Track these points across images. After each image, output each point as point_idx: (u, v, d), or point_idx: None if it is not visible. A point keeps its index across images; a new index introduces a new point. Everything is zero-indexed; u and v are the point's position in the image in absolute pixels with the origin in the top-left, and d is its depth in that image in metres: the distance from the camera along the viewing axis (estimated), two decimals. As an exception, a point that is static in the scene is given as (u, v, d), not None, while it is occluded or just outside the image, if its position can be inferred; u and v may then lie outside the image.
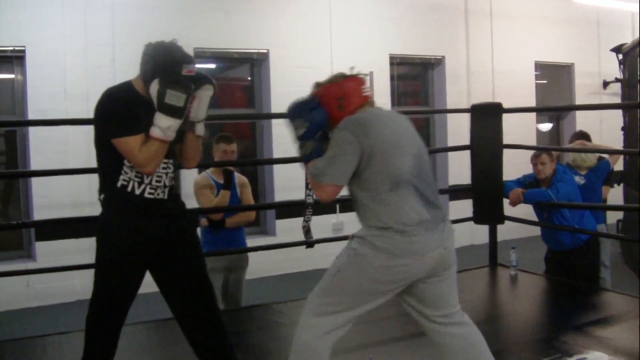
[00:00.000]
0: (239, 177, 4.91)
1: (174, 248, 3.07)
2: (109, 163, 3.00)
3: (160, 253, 3.05)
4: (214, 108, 3.93)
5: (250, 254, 4.95)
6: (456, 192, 8.55)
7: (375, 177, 2.70)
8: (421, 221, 2.70)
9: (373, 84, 8.47)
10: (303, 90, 8.18)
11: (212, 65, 8.53)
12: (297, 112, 2.88)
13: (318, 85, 2.98)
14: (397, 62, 9.35)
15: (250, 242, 5.34)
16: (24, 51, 6.99)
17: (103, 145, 2.98)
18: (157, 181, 3.01)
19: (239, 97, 8.86)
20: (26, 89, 7.08)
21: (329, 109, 2.87)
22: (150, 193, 2.99)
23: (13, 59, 7.10)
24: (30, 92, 7.05)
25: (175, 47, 2.97)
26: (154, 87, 2.86)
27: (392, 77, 9.22)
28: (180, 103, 2.87)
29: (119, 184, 2.97)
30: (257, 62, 8.46)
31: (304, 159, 2.91)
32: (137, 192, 2.97)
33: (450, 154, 9.40)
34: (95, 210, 3.18)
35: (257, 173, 8.35)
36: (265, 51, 8.29)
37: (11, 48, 6.97)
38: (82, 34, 7.14)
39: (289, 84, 8.13)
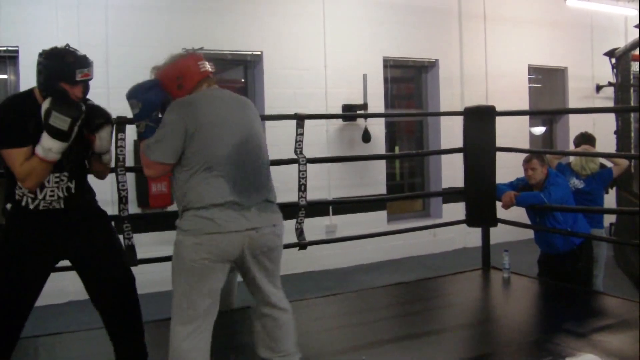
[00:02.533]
0: None
1: (81, 252, 3.14)
2: (7, 175, 3.05)
3: (71, 258, 3.16)
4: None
5: None
6: (449, 195, 8.57)
7: (192, 157, 2.82)
8: (225, 203, 2.78)
9: (366, 86, 8.59)
10: (297, 92, 8.21)
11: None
12: (133, 93, 2.97)
13: (156, 68, 3.05)
14: (391, 65, 9.34)
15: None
16: (17, 51, 6.95)
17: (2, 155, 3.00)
18: (50, 195, 3.04)
19: (232, 98, 8.79)
20: (19, 89, 6.97)
21: (170, 89, 2.96)
22: (44, 206, 3.03)
23: (6, 59, 7.06)
24: (22, 92, 6.98)
25: (68, 52, 2.99)
26: (44, 105, 2.89)
27: (385, 80, 9.21)
28: (64, 126, 2.88)
29: (16, 197, 3.03)
30: (250, 64, 8.44)
31: (138, 137, 3.02)
32: (31, 206, 3.02)
33: (443, 156, 9.37)
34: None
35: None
36: (259, 53, 8.27)
37: (4, 48, 6.93)
38: (75, 34, 7.07)
39: (282, 86, 8.18)
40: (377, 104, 8.89)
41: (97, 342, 3.82)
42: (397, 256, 8.76)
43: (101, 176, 3.37)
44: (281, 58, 8.33)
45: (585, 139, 5.90)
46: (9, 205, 3.07)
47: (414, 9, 9.37)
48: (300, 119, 4.95)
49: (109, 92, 6.48)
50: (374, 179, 8.95)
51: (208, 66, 3.03)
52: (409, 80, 10.13)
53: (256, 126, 3.04)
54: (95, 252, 3.16)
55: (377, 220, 8.67)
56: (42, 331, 4.22)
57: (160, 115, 2.98)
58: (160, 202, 7.37)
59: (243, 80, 8.58)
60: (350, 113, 8.55)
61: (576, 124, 9.98)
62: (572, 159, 5.85)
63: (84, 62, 2.99)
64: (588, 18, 10.87)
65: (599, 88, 11.04)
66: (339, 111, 8.58)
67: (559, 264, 5.13)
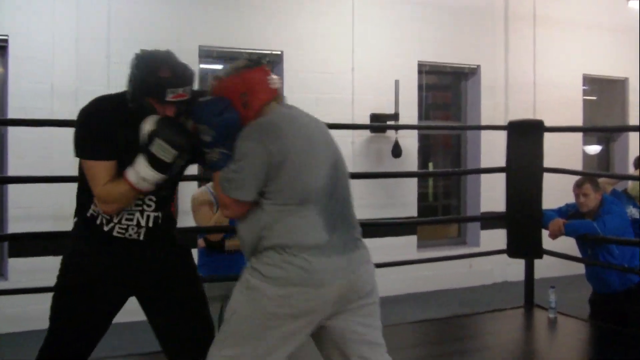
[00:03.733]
0: None
1: (158, 298, 3.00)
2: (82, 186, 2.92)
3: (139, 287, 2.99)
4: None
5: None
6: (488, 221, 8.54)
7: (281, 190, 2.63)
8: (320, 244, 2.63)
9: (398, 94, 8.60)
10: (320, 97, 8.25)
11: (219, 67, 8.54)
12: (203, 118, 2.72)
13: (217, 78, 2.80)
14: (427, 71, 9.35)
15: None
16: (6, 41, 7.03)
17: (80, 163, 2.87)
18: (127, 219, 2.89)
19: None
20: (7, 83, 7.11)
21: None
22: (119, 232, 2.89)
23: (-6, 50, 7.15)
24: (11, 87, 7.08)
25: (165, 63, 2.78)
26: (147, 125, 2.74)
27: (420, 87, 9.22)
28: (167, 158, 2.74)
29: (88, 213, 2.90)
30: (269, 65, 8.36)
31: (210, 166, 2.79)
32: (106, 228, 2.88)
33: (483, 176, 9.39)
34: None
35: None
36: (279, 53, 8.31)
37: (-8, 37, 7.02)
38: (74, 25, 7.18)
39: (304, 90, 8.16)
40: (409, 114, 8.87)
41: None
42: (428, 288, 8.73)
43: None
44: (303, 59, 8.37)
45: (646, 161, 5.85)
46: (75, 219, 2.96)
47: (454, 9, 9.39)
48: None
49: (109, 90, 6.44)
50: (403, 199, 8.93)
51: (277, 82, 2.83)
52: (446, 89, 10.15)
53: (337, 148, 2.87)
54: (175, 302, 3.01)
55: (406, 246, 8.63)
56: (22, 360, 4.22)
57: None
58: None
59: None
60: (379, 123, 8.62)
61: (637, 144, 9.90)
62: (629, 184, 5.79)
63: (180, 80, 2.76)
64: (654, 22, 10.82)
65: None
66: (367, 121, 8.59)
67: (613, 305, 5.05)
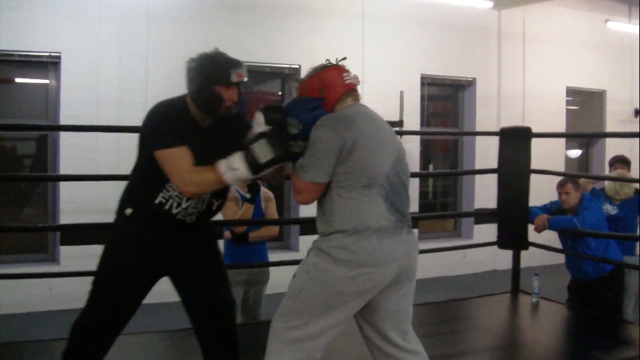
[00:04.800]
0: (264, 192, 4.87)
1: (190, 272, 2.99)
2: (149, 178, 2.85)
3: (176, 267, 2.98)
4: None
5: (272, 269, 4.91)
6: (481, 216, 8.47)
7: (350, 172, 2.60)
8: (384, 227, 2.61)
9: (403, 103, 8.46)
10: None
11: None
12: (294, 112, 2.74)
13: (298, 80, 2.86)
14: (428, 83, 9.35)
15: (273, 256, 5.31)
16: (59, 57, 7.11)
17: (147, 158, 2.81)
18: (194, 207, 2.89)
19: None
20: (59, 94, 7.20)
21: None
22: (183, 215, 2.88)
23: (48, 65, 7.24)
24: (63, 97, 7.16)
25: (218, 53, 2.82)
26: (258, 126, 2.71)
27: (422, 97, 9.22)
28: (263, 159, 2.67)
29: (157, 201, 2.85)
30: (288, 77, 8.50)
31: (292, 158, 2.75)
32: (174, 211, 2.85)
33: (477, 176, 9.39)
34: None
35: (285, 188, 8.37)
36: (297, 67, 8.31)
37: (47, 53, 7.10)
38: (116, 44, 7.24)
39: None
40: (413, 121, 8.84)
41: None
42: (427, 275, 8.49)
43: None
44: None
45: (621, 160, 5.83)
46: (129, 211, 2.92)
47: (453, 28, 9.37)
48: None
49: (146, 100, 6.63)
50: None
51: (353, 78, 2.87)
52: (445, 99, 10.13)
53: (402, 147, 2.85)
54: (204, 275, 3.01)
55: None
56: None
57: None
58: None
59: (280, 93, 8.66)
60: None
61: (613, 149, 9.86)
62: (606, 183, 5.78)
63: (236, 63, 2.80)
64: (629, 40, 10.72)
65: (637, 112, 10.93)
66: None
67: (589, 291, 5.06)
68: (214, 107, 2.81)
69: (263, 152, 2.67)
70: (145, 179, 2.90)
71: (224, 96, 2.79)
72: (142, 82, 7.14)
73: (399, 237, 2.66)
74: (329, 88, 2.75)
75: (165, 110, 2.85)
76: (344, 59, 2.97)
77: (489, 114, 9.70)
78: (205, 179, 2.71)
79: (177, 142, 2.73)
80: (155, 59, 7.35)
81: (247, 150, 2.68)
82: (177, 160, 2.72)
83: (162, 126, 2.78)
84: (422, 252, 6.29)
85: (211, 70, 2.76)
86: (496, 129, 6.17)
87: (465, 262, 9.19)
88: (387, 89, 8.60)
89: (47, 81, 7.36)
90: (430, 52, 9.23)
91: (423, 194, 9.55)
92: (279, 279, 5.42)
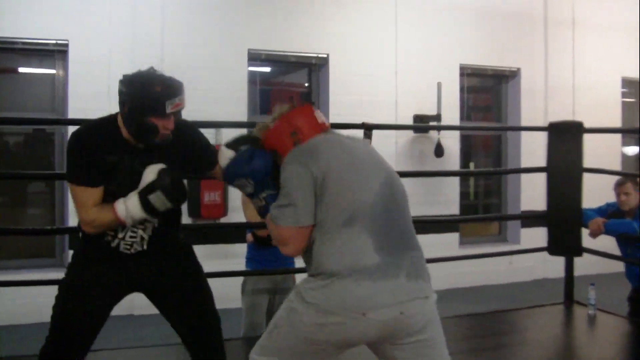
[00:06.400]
0: None
1: (168, 297, 3.04)
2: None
3: (146, 293, 3.06)
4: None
5: (298, 275, 4.75)
6: (529, 219, 8.48)
7: (328, 210, 2.46)
8: (367, 267, 2.41)
9: (440, 96, 8.57)
10: (365, 99, 8.21)
11: (267, 69, 8.58)
12: (236, 173, 2.77)
13: (262, 128, 2.78)
14: (468, 73, 9.30)
15: (299, 262, 5.26)
16: (67, 45, 7.14)
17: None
18: (131, 237, 2.92)
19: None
20: (67, 85, 7.23)
21: (285, 149, 2.65)
22: (125, 248, 2.92)
23: (55, 53, 7.28)
24: (71, 89, 7.20)
25: (155, 79, 2.76)
26: (150, 175, 2.79)
27: (461, 89, 9.17)
28: (161, 208, 2.80)
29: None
30: (315, 68, 8.51)
31: (261, 212, 2.78)
32: (113, 245, 2.91)
33: (523, 176, 9.32)
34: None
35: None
36: (325, 56, 8.33)
37: (54, 42, 7.14)
38: (129, 31, 7.25)
39: (348, 92, 8.21)
40: (451, 115, 8.83)
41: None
42: (469, 284, 8.66)
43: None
44: (348, 62, 8.37)
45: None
46: (80, 234, 2.99)
47: (495, 14, 9.31)
48: (367, 128, 4.89)
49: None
50: (445, 198, 8.89)
51: (323, 116, 2.76)
52: (487, 91, 10.09)
53: (391, 168, 2.71)
54: (183, 299, 3.05)
55: (448, 243, 8.57)
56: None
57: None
58: (214, 212, 7.47)
59: (307, 84, 8.64)
60: (422, 124, 8.58)
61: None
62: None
63: (174, 90, 2.76)
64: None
65: (702, 104, 10.71)
66: (410, 122, 8.57)
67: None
68: (147, 137, 2.81)
69: (159, 202, 2.77)
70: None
71: (159, 126, 2.78)
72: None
73: (390, 281, 2.43)
74: (302, 129, 2.67)
75: (86, 136, 2.84)
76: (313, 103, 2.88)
77: (535, 107, 9.60)
78: (102, 221, 2.81)
79: (80, 180, 2.80)
80: (170, 47, 7.34)
81: (143, 199, 2.76)
82: (77, 196, 2.82)
83: (71, 159, 2.82)
84: (464, 258, 6.35)
85: (143, 100, 2.73)
86: (543, 123, 6.12)
87: (511, 270, 9.09)
88: (423, 81, 8.63)
89: (53, 71, 7.40)
90: (469, 41, 9.16)
91: (464, 195, 9.50)
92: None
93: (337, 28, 8.33)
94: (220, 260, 6.23)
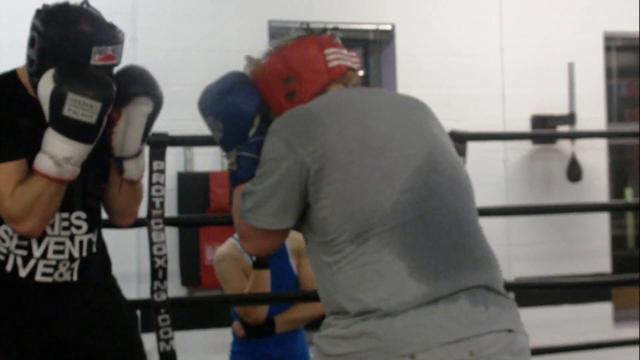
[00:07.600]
0: (293, 239, 4.44)
1: (82, 345, 3.10)
2: None
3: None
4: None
5: None
6: None
7: (327, 218, 2.44)
8: (403, 305, 2.35)
9: (573, 84, 8.22)
10: (451, 92, 7.73)
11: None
12: (208, 106, 2.77)
13: (252, 62, 2.81)
14: (618, 47, 8.74)
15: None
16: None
17: None
18: (55, 252, 2.94)
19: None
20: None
21: (274, 100, 2.69)
22: (45, 274, 2.93)
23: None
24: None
25: (83, 14, 2.85)
26: (46, 85, 2.73)
27: (608, 73, 8.62)
28: (91, 118, 2.75)
29: None
30: (374, 46, 8.21)
31: (231, 179, 2.80)
32: (23, 273, 2.91)
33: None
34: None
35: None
36: (389, 28, 7.97)
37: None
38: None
39: (425, 81, 7.73)
40: (593, 114, 8.22)
41: None
42: None
43: (124, 213, 3.29)
44: (424, 37, 7.99)
45: None
46: None
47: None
48: (458, 140, 4.72)
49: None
50: (587, 246, 8.34)
51: (345, 57, 2.72)
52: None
53: (444, 142, 2.67)
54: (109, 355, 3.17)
55: (595, 318, 8.11)
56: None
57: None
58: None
59: (361, 71, 8.06)
60: (545, 130, 8.12)
61: None
62: None
63: (107, 36, 2.84)
64: None
65: None
66: (526, 125, 8.10)
67: None
68: None
69: (83, 108, 2.71)
70: None
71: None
72: (129, 47, 6.78)
73: (444, 311, 2.36)
74: (301, 75, 2.66)
75: None
76: (336, 29, 2.85)
77: None
78: (34, 195, 2.76)
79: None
80: (145, 21, 7.20)
81: (58, 123, 2.74)
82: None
83: None
84: (623, 344, 5.72)
85: (63, 39, 2.78)
86: None
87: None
88: (544, 62, 8.18)
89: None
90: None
91: (616, 240, 8.92)
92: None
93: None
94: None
